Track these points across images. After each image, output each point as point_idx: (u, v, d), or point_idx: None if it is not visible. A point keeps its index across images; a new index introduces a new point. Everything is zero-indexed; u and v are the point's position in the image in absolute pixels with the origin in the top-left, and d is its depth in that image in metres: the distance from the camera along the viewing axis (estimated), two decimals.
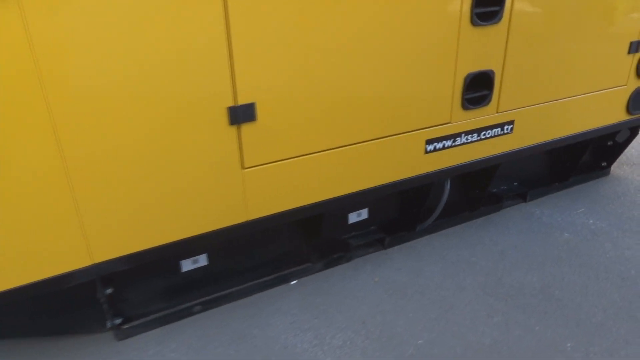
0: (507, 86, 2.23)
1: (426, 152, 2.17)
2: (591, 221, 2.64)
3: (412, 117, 2.04)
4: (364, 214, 2.36)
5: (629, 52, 2.51)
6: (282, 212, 1.88)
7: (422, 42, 1.88)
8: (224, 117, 1.63)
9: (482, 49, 2.05)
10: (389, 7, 1.74)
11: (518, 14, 2.06)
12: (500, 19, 2.02)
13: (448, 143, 2.21)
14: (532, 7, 2.09)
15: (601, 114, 2.65)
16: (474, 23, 1.96)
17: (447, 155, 2.24)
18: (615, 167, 3.28)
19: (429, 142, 2.15)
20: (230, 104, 1.62)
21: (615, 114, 2.71)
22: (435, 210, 2.50)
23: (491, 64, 2.12)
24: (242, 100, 1.65)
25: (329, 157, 1.89)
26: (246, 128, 1.70)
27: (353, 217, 2.35)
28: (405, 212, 2.50)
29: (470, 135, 2.25)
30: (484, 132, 2.28)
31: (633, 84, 2.66)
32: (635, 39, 2.50)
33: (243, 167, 1.74)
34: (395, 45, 1.83)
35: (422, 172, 2.23)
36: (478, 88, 2.16)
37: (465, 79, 2.08)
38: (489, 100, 2.21)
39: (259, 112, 1.69)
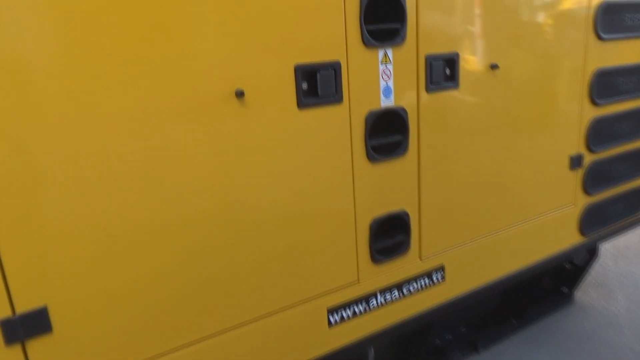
0: (429, 227, 2.11)
1: (330, 324, 1.92)
2: None
3: (303, 282, 1.80)
4: None
5: (571, 167, 2.56)
6: None
7: (306, 184, 1.71)
8: None
9: (388, 187, 1.93)
10: (259, 155, 1.57)
11: (429, 141, 2.00)
12: (405, 150, 1.94)
13: (360, 308, 1.99)
14: (446, 131, 2.05)
15: (550, 241, 2.63)
16: (371, 158, 1.84)
17: (360, 323, 2.00)
18: (579, 292, 3.26)
19: (333, 311, 1.91)
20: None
21: (567, 237, 2.71)
22: None
23: (403, 204, 2.00)
24: (22, 307, 1.32)
25: None
26: (36, 347, 1.35)
27: None
28: None
29: (388, 294, 2.05)
30: (406, 287, 2.11)
31: (581, 202, 2.70)
32: (574, 152, 2.56)
33: None
34: (270, 193, 1.64)
35: (328, 350, 1.95)
36: (391, 234, 2.01)
37: (372, 225, 1.92)
38: (407, 247, 2.05)
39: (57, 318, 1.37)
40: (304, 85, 1.66)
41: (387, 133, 1.91)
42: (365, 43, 1.75)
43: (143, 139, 1.41)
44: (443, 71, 1.95)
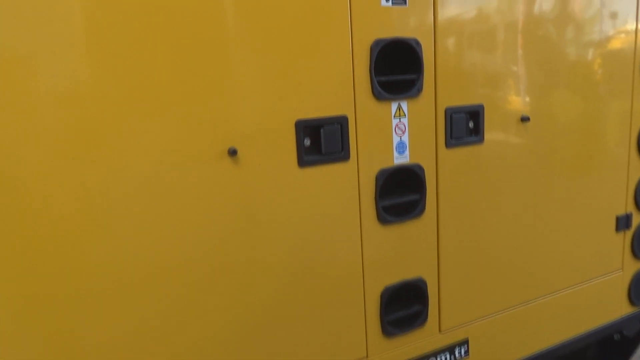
0: (450, 295, 2.02)
1: None
2: None
3: (305, 356, 1.73)
4: None
5: (618, 229, 2.43)
6: None
7: (308, 248, 1.67)
8: None
9: (402, 252, 1.87)
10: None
11: (450, 200, 1.93)
12: (422, 210, 1.87)
13: None
14: (469, 189, 1.97)
15: (594, 311, 2.47)
16: (382, 220, 1.78)
17: None
18: None
19: None
20: None
21: (614, 307, 2.55)
22: None
23: (420, 270, 1.92)
24: None
25: None
26: None
27: None
28: None
29: None
30: None
31: (631, 267, 2.54)
32: (621, 211, 2.43)
33: None
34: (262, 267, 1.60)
35: None
36: (406, 304, 1.93)
37: (383, 294, 1.85)
38: (425, 318, 1.96)
39: None
40: (307, 142, 1.64)
41: (401, 192, 1.85)
42: (376, 96, 1.72)
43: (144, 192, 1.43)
44: (466, 125, 1.90)
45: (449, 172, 1.92)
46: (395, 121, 1.78)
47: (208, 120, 1.47)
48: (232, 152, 1.50)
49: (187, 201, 1.48)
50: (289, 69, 1.56)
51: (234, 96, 1.50)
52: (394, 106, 1.77)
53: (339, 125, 1.67)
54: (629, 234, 2.49)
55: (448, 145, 1.89)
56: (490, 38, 1.93)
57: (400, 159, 1.81)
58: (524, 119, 2.02)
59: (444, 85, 1.85)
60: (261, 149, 1.56)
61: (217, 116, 1.48)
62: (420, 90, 1.80)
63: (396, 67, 1.79)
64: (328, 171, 1.68)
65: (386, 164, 1.79)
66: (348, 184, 1.72)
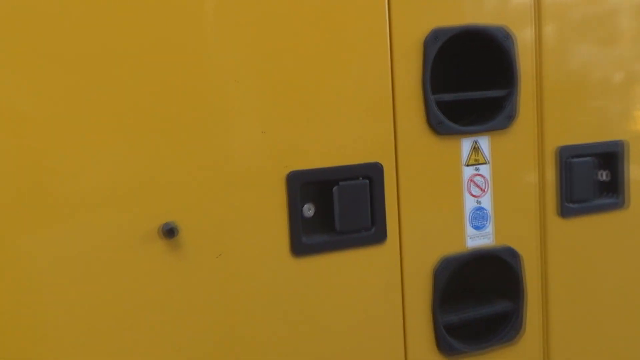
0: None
1: None
2: None
3: None
4: None
5: None
6: None
7: None
8: None
9: None
10: None
11: (569, 312, 1.28)
12: (517, 330, 1.21)
13: None
14: (604, 290, 1.28)
15: None
16: (444, 349, 1.15)
17: None
18: None
19: None
20: None
21: None
22: None
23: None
24: None
25: None
26: None
27: None
28: None
29: None
30: None
31: None
32: None
33: None
34: None
35: None
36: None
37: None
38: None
39: None
40: (308, 210, 1.03)
41: (479, 298, 1.20)
42: (434, 127, 1.10)
43: None
44: (593, 177, 1.22)
45: (567, 261, 1.24)
46: (468, 172, 1.14)
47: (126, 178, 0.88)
48: (169, 232, 0.90)
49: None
50: (274, 81, 0.97)
51: (168, 130, 0.90)
52: (466, 145, 1.14)
53: (367, 180, 1.04)
54: None
55: (564, 213, 1.22)
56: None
57: (477, 239, 1.16)
58: None
59: (554, 110, 1.21)
60: (220, 226, 0.95)
61: (140, 167, 0.89)
62: (512, 117, 1.16)
63: (470, 77, 1.21)
64: (346, 262, 1.07)
65: (452, 249, 1.15)
66: (382, 285, 1.10)
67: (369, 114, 1.06)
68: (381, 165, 1.07)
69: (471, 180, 1.15)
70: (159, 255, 0.93)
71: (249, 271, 0.99)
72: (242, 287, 0.99)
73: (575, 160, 1.23)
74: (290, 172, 1.00)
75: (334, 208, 1.03)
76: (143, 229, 0.92)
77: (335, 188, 1.03)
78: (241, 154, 0.97)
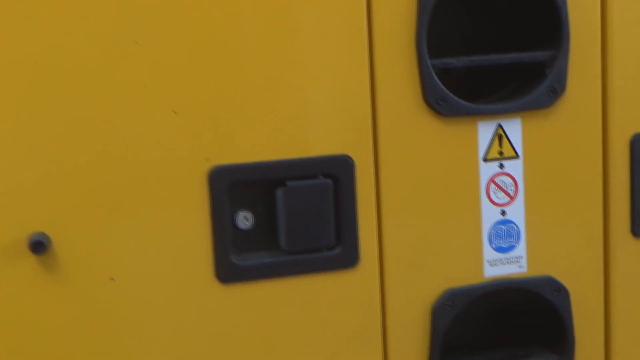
0: None
1: None
2: None
3: None
4: None
5: None
6: None
7: None
8: None
9: None
10: None
11: None
12: None
13: None
14: None
15: None
16: None
17: None
18: None
19: None
20: None
21: None
22: None
23: None
24: None
25: None
26: None
27: None
28: None
29: None
30: None
31: None
32: None
33: None
34: None
35: None
36: None
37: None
38: None
39: None
40: (244, 221, 0.74)
41: (504, 353, 0.87)
42: (436, 107, 0.76)
43: None
44: None
45: None
46: (488, 170, 0.81)
47: None
48: (36, 246, 0.67)
49: None
50: (190, 37, 0.71)
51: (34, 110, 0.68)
52: (485, 132, 0.80)
53: (331, 180, 0.74)
54: None
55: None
56: None
57: (502, 266, 0.82)
58: None
59: (628, 79, 0.83)
60: (113, 240, 0.71)
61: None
62: (558, 90, 0.80)
63: (492, 31, 0.87)
64: (298, 294, 0.78)
65: (462, 279, 0.82)
66: (351, 328, 0.79)
67: (334, 83, 0.76)
68: (352, 159, 0.76)
69: (493, 182, 0.81)
70: (29, 274, 0.72)
71: (154, 302, 0.73)
72: (142, 323, 0.74)
73: None
74: (214, 167, 0.72)
75: (278, 218, 0.76)
76: (8, 240, 0.72)
77: (279, 190, 0.75)
78: (143, 142, 0.71)
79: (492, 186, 0.81)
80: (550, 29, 0.81)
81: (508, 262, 0.83)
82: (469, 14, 0.88)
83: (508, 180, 0.81)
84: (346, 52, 0.76)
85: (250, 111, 0.74)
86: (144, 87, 0.70)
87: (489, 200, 0.81)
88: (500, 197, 0.81)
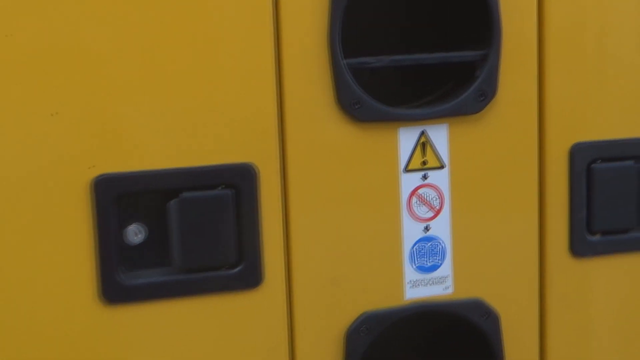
0: None
1: None
2: None
3: None
4: None
5: None
6: None
7: None
8: None
9: None
10: None
11: None
12: None
13: None
14: None
15: None
16: None
17: None
18: None
19: None
20: None
21: None
22: None
23: None
24: None
25: None
26: None
27: None
28: None
29: None
30: None
31: None
32: None
33: None
34: None
35: None
36: None
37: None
38: None
39: None
40: (134, 236, 0.68)
41: None
42: (350, 112, 0.70)
43: None
44: (635, 192, 0.77)
45: (581, 325, 0.80)
46: (410, 181, 0.74)
47: None
48: None
49: None
50: (69, 31, 0.64)
51: None
52: (406, 139, 0.73)
53: (231, 191, 0.67)
54: None
55: (581, 249, 0.79)
56: None
57: (424, 287, 0.76)
58: None
59: (567, 82, 0.77)
60: None
61: None
62: (488, 93, 0.73)
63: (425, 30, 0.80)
64: (193, 316, 0.70)
65: (380, 301, 0.75)
66: (255, 355, 0.71)
67: (236, 85, 0.68)
68: (255, 167, 0.69)
69: (415, 195, 0.74)
70: None
71: (31, 327, 0.67)
72: (19, 349, 0.68)
73: (604, 165, 0.77)
74: (98, 176, 0.65)
75: (171, 232, 0.69)
76: None
77: (172, 202, 0.68)
78: (16, 147, 0.65)
79: (415, 199, 0.74)
80: (481, 27, 0.75)
81: (432, 283, 0.75)
82: (401, 11, 0.82)
83: (432, 192, 0.74)
84: (249, 50, 0.69)
85: (142, 114, 0.68)
86: (16, 85, 0.65)
87: (410, 215, 0.74)
88: (424, 212, 0.74)
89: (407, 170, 0.74)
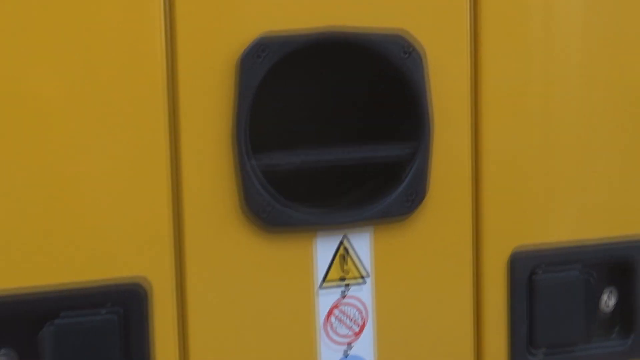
0: None
1: None
2: None
3: None
4: None
5: None
6: None
7: None
8: None
9: None
10: None
11: None
12: None
13: None
14: None
15: None
16: None
17: None
18: None
19: None
20: None
21: None
22: None
23: None
24: None
25: None
26: None
27: None
28: None
29: None
30: None
31: None
32: None
33: None
34: None
35: None
36: None
37: None
38: None
39: None
40: None
41: None
42: (259, 218, 0.61)
43: None
44: (586, 303, 0.70)
45: None
46: (328, 298, 0.65)
47: None
48: None
49: None
50: None
51: None
52: (325, 248, 0.65)
53: (116, 314, 0.58)
54: None
55: None
56: None
57: None
58: None
59: (507, 178, 0.70)
60: None
61: None
62: (418, 195, 0.65)
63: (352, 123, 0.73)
64: None
65: None
66: None
67: (125, 189, 0.60)
68: (144, 286, 0.61)
69: (333, 314, 0.66)
70: None
71: None
72: None
73: (550, 275, 0.71)
74: None
75: None
76: None
77: (45, 329, 0.59)
78: None
79: (333, 320, 0.65)
80: (409, 119, 0.67)
81: None
82: (324, 99, 0.74)
83: (353, 310, 0.66)
84: (142, 149, 0.61)
85: (10, 221, 0.59)
86: None
87: (327, 338, 0.65)
88: (344, 332, 0.66)
89: (324, 285, 0.66)
